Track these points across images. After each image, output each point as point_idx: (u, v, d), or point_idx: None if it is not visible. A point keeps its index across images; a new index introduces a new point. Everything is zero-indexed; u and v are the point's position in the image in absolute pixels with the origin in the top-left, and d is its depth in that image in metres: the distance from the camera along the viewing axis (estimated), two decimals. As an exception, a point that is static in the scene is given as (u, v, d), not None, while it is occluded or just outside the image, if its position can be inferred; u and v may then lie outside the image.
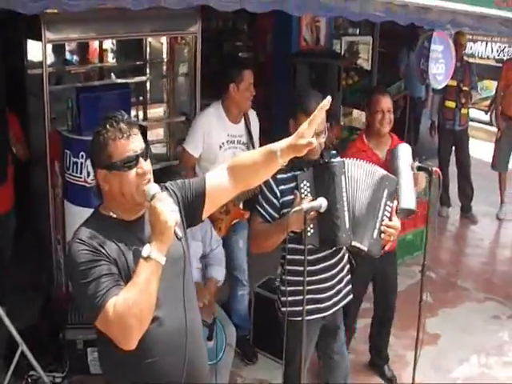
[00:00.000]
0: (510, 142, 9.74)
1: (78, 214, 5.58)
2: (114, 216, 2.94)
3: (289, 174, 3.97)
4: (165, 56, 7.78)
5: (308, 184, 3.86)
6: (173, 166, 6.17)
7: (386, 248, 4.13)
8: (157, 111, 8.26)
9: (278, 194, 3.99)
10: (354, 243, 3.97)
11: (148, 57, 8.04)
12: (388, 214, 4.00)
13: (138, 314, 2.68)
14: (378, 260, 4.67)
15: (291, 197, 3.90)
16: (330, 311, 4.32)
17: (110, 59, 9.27)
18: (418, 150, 8.10)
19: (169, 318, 2.93)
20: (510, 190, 10.13)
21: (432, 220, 4.81)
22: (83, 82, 7.78)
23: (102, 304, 2.68)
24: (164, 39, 7.73)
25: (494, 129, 11.07)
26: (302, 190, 3.85)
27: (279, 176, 3.94)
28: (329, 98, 2.85)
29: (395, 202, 4.08)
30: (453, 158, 9.59)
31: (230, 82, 5.43)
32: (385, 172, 4.11)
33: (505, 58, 14.83)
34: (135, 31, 6.34)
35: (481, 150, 10.28)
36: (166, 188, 3.07)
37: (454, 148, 9.61)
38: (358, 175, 3.97)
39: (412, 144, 8.91)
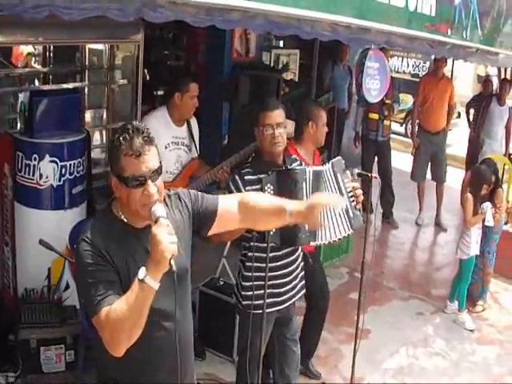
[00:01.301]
0: (427, 153, 10.23)
1: (28, 216, 5.72)
2: (125, 220, 2.99)
3: (255, 177, 4.26)
4: (105, 62, 7.80)
5: (272, 187, 4.14)
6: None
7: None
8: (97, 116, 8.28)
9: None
10: (312, 243, 4.30)
11: (87, 63, 8.00)
12: (350, 189, 4.27)
13: (127, 329, 2.76)
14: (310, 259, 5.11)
15: None
16: (286, 304, 4.62)
17: (35, 65, 9.28)
18: (342, 158, 8.35)
19: (163, 328, 3.03)
20: (427, 198, 10.56)
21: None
22: (17, 86, 7.77)
23: (98, 308, 2.77)
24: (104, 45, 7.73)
25: (409, 140, 11.62)
26: (266, 192, 4.10)
27: (246, 177, 4.27)
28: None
29: (347, 172, 4.35)
30: (375, 167, 9.90)
31: (176, 90, 5.61)
32: (329, 165, 4.35)
33: (420, 73, 15.45)
34: (80, 38, 6.27)
35: (398, 159, 10.69)
36: (179, 196, 3.19)
37: (376, 157, 10.03)
38: (317, 179, 4.26)
39: (335, 153, 9.37)
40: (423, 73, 15.14)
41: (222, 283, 6.09)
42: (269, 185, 4.15)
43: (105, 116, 7.98)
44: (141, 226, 2.97)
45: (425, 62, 12.38)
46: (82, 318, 5.15)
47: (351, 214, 4.23)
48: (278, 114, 4.38)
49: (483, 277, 7.76)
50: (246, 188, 4.23)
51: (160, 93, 8.54)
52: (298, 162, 4.60)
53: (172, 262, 2.69)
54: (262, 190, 4.13)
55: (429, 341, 6.96)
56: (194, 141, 5.88)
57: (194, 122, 5.98)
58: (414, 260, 9.54)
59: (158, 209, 2.81)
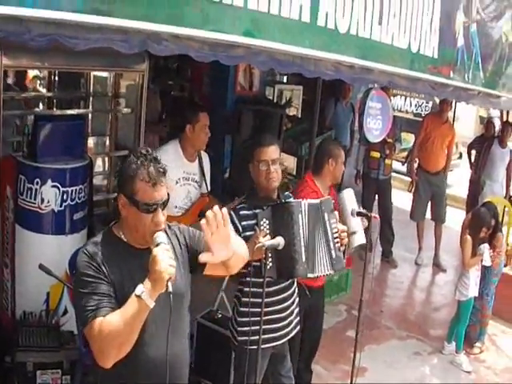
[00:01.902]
0: (427, 193, 10.27)
1: (29, 239, 5.72)
2: (125, 240, 3.11)
3: (250, 212, 4.32)
4: (109, 90, 7.86)
5: (267, 222, 4.21)
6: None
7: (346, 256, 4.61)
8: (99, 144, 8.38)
9: (240, 228, 4.31)
10: (309, 275, 4.35)
11: (91, 89, 8.13)
12: (336, 230, 4.39)
13: (117, 343, 2.84)
14: (311, 294, 5.15)
15: (251, 232, 4.23)
16: (282, 341, 4.65)
17: (41, 88, 9.33)
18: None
19: (155, 347, 3.08)
20: (427, 238, 10.56)
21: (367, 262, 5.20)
22: (25, 109, 7.84)
23: (90, 319, 2.86)
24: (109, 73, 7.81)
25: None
26: (262, 227, 4.18)
27: (242, 212, 4.33)
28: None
29: (335, 213, 4.47)
30: (375, 206, 9.96)
31: (187, 123, 5.70)
32: (317, 200, 4.48)
33: (422, 113, 15.53)
34: (85, 65, 6.32)
35: (399, 198, 10.77)
36: (179, 228, 3.31)
37: (376, 196, 10.04)
38: (313, 211, 4.35)
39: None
40: (426, 112, 15.25)
41: (219, 316, 6.07)
42: (264, 219, 4.22)
43: (107, 143, 8.02)
44: (140, 246, 3.09)
45: (427, 102, 12.45)
46: (80, 343, 5.16)
47: (333, 255, 4.36)
48: (273, 150, 4.43)
49: (481, 319, 7.76)
50: (242, 223, 4.30)
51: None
52: (292, 199, 4.65)
53: (169, 283, 2.80)
54: (257, 224, 4.20)
55: (425, 380, 6.97)
56: (204, 177, 5.97)
57: (205, 157, 6.07)
58: (412, 300, 9.52)
59: (160, 235, 2.94)
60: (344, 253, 4.51)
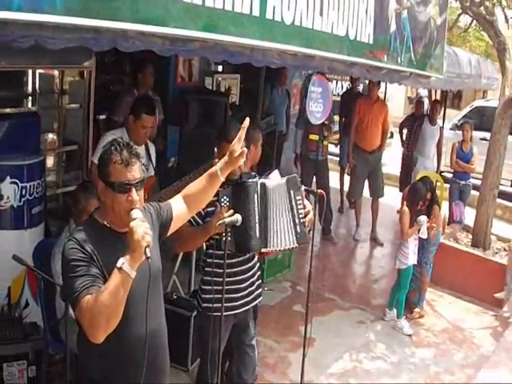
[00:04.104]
0: (363, 172, 10.68)
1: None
2: (108, 225, 3.29)
3: None
4: (56, 87, 7.99)
5: (227, 199, 4.47)
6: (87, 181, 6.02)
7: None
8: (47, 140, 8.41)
9: None
10: (263, 250, 4.65)
11: (38, 87, 8.13)
12: (301, 205, 4.62)
13: (105, 315, 2.96)
14: None
15: (213, 208, 4.49)
16: (241, 309, 4.90)
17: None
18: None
19: (139, 322, 3.25)
20: (364, 215, 11.03)
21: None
22: None
23: (79, 298, 2.99)
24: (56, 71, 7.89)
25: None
26: (222, 204, 4.46)
27: None
28: (248, 119, 3.65)
29: (302, 189, 4.68)
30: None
31: (131, 113, 5.93)
32: (284, 180, 4.71)
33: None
34: (33, 63, 6.35)
35: (332, 179, 11.04)
36: (146, 208, 3.52)
37: (314, 177, 10.33)
38: (265, 191, 4.61)
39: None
40: (342, 91, 15.62)
41: (175, 297, 6.27)
42: (225, 197, 4.47)
43: (55, 139, 8.14)
44: (122, 229, 3.24)
45: (358, 85, 12.74)
46: (46, 333, 5.30)
47: (298, 229, 4.61)
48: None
49: (420, 285, 8.19)
50: None
51: (102, 117, 8.61)
52: (257, 178, 4.82)
53: (147, 250, 2.97)
54: (218, 201, 4.45)
55: (370, 346, 7.34)
56: (151, 161, 6.17)
57: (151, 145, 6.27)
58: (353, 273, 9.92)
59: (135, 212, 3.13)
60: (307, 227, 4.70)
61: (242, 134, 3.59)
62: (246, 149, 3.60)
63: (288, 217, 4.62)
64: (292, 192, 4.62)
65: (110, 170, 3.20)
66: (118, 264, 2.96)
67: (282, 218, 4.62)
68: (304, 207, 4.65)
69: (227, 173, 3.66)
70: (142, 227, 3.00)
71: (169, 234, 3.74)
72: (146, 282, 3.09)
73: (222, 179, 3.66)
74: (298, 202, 4.62)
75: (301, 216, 4.62)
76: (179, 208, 3.70)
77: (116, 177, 3.19)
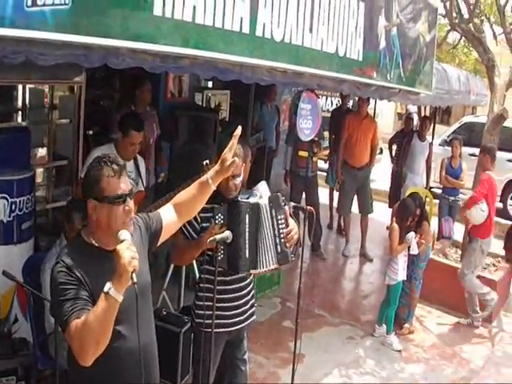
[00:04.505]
0: (352, 188, 10.70)
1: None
2: (96, 245, 3.29)
3: (209, 206, 4.42)
4: (47, 102, 7.94)
5: (222, 217, 4.49)
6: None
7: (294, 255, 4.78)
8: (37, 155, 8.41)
9: (199, 219, 4.55)
10: (252, 271, 4.66)
11: (28, 102, 8.17)
12: (283, 225, 4.61)
13: (93, 339, 2.97)
14: None
15: (208, 224, 4.49)
16: (235, 327, 4.88)
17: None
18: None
19: (130, 337, 3.29)
20: (354, 231, 11.07)
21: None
22: None
23: (68, 322, 3.01)
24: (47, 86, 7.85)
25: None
26: (217, 221, 4.47)
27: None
28: (240, 127, 3.67)
29: (286, 207, 4.70)
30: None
31: (120, 130, 5.97)
32: (266, 199, 4.69)
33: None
34: (23, 78, 6.35)
35: (322, 195, 11.05)
36: (135, 221, 3.52)
37: (304, 193, 10.33)
38: (255, 211, 4.60)
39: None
40: (333, 107, 15.72)
41: (165, 313, 6.25)
42: (220, 214, 4.49)
43: (45, 154, 8.11)
44: (112, 247, 3.20)
45: (348, 101, 12.80)
46: (35, 349, 5.28)
47: (279, 249, 4.59)
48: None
49: (410, 301, 8.20)
50: (200, 214, 4.45)
51: (91, 132, 8.59)
52: (258, 196, 4.81)
53: (133, 275, 2.96)
54: (213, 217, 4.46)
55: (360, 362, 7.34)
56: (140, 175, 6.19)
57: (141, 160, 6.31)
58: (342, 289, 9.92)
59: (123, 233, 3.12)
60: (293, 249, 4.69)
61: (234, 142, 3.60)
62: (237, 158, 3.63)
63: (269, 236, 4.62)
64: (274, 211, 4.62)
65: (102, 185, 3.22)
66: (105, 289, 2.96)
67: (265, 239, 4.62)
68: (287, 226, 4.64)
69: (218, 181, 3.66)
70: (128, 252, 2.99)
71: (159, 243, 3.74)
72: (136, 298, 3.08)
73: (213, 187, 3.66)
74: (280, 222, 4.62)
75: (282, 236, 4.61)
76: (169, 217, 3.71)
77: (111, 190, 3.22)
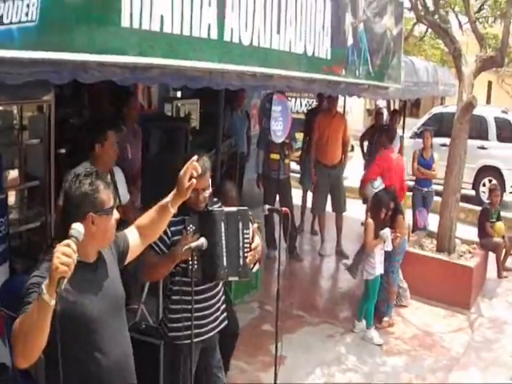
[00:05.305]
0: (325, 186, 10.78)
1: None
2: (78, 258, 3.13)
3: (179, 218, 4.51)
4: (16, 122, 7.80)
5: (193, 227, 4.50)
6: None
7: (256, 268, 4.90)
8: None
9: (170, 233, 4.55)
10: (230, 278, 4.74)
11: None
12: (248, 240, 4.68)
13: (20, 339, 2.92)
14: None
15: (179, 237, 4.50)
16: (209, 335, 4.90)
17: None
18: (244, 199, 8.58)
19: (105, 350, 3.33)
20: (329, 230, 11.13)
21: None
22: None
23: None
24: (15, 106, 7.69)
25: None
26: (188, 232, 4.47)
27: (171, 219, 4.51)
28: (195, 156, 3.74)
29: (255, 224, 4.79)
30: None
31: (96, 142, 5.85)
32: (235, 208, 4.78)
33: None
34: None
35: (295, 196, 10.99)
36: None
37: (277, 196, 10.31)
38: (230, 219, 4.64)
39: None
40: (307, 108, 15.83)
41: (144, 326, 6.13)
42: (191, 225, 4.50)
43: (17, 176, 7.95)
44: (92, 260, 3.33)
45: (317, 101, 12.85)
46: (15, 373, 5.17)
47: (241, 263, 4.66)
48: (205, 179, 4.55)
49: (388, 294, 8.28)
50: (171, 229, 4.49)
51: (63, 151, 8.49)
52: (219, 204, 4.89)
53: (61, 281, 2.81)
54: (184, 229, 4.48)
55: (341, 359, 7.38)
56: (117, 190, 6.09)
57: (117, 171, 6.25)
58: (320, 288, 10.02)
59: (75, 226, 3.00)
60: (252, 266, 4.79)
61: (188, 167, 3.67)
62: (194, 180, 3.68)
63: (236, 246, 4.66)
64: (240, 225, 4.67)
65: (101, 198, 3.27)
66: (40, 290, 2.88)
67: (235, 248, 4.66)
68: (251, 242, 4.71)
69: (178, 204, 3.75)
70: (58, 257, 2.83)
71: (126, 262, 3.77)
72: (115, 314, 3.24)
73: (173, 211, 3.75)
74: (246, 236, 4.67)
75: (246, 250, 4.67)
76: (134, 238, 3.76)
77: (109, 202, 3.31)
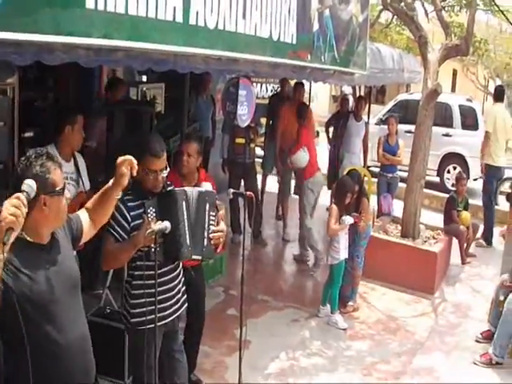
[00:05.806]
0: (289, 174, 10.82)
1: None
2: (31, 240, 3.22)
3: (137, 202, 4.51)
4: None
5: (154, 210, 4.44)
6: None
7: (218, 250, 4.87)
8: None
9: (130, 219, 4.49)
10: (193, 256, 4.66)
11: None
12: (214, 222, 4.69)
13: None
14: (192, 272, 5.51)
15: (140, 221, 4.42)
16: (171, 318, 4.86)
17: None
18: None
19: (64, 329, 3.31)
20: (292, 215, 11.05)
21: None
22: None
23: None
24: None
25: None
26: (149, 215, 4.41)
27: (129, 204, 4.51)
28: (128, 156, 3.80)
29: (221, 212, 4.81)
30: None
31: (66, 124, 5.83)
32: (203, 189, 4.83)
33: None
34: None
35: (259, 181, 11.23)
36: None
37: (242, 180, 10.35)
38: (197, 198, 4.63)
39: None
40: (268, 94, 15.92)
41: (108, 311, 6.24)
42: (151, 208, 4.44)
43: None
44: (46, 241, 3.32)
45: (280, 86, 12.85)
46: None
47: (205, 243, 4.64)
48: (163, 160, 4.58)
49: (353, 279, 8.35)
50: (131, 213, 4.47)
51: (28, 134, 8.39)
52: (173, 187, 4.85)
53: (9, 233, 2.77)
54: (145, 212, 4.42)
55: (306, 343, 7.44)
56: (80, 175, 6.08)
57: (80, 157, 6.18)
58: (284, 273, 10.05)
59: (26, 182, 2.99)
60: (215, 248, 4.80)
61: (125, 158, 3.76)
62: (125, 171, 3.73)
63: (200, 226, 4.65)
64: (208, 205, 4.67)
65: (53, 179, 3.23)
66: None
67: (199, 227, 4.64)
68: (217, 224, 4.74)
69: (119, 191, 3.82)
70: (10, 206, 2.81)
71: (81, 243, 3.80)
72: (66, 290, 3.25)
73: (117, 197, 3.85)
74: (212, 217, 4.68)
75: (210, 231, 4.67)
76: (86, 220, 3.79)
77: (59, 181, 3.27)
